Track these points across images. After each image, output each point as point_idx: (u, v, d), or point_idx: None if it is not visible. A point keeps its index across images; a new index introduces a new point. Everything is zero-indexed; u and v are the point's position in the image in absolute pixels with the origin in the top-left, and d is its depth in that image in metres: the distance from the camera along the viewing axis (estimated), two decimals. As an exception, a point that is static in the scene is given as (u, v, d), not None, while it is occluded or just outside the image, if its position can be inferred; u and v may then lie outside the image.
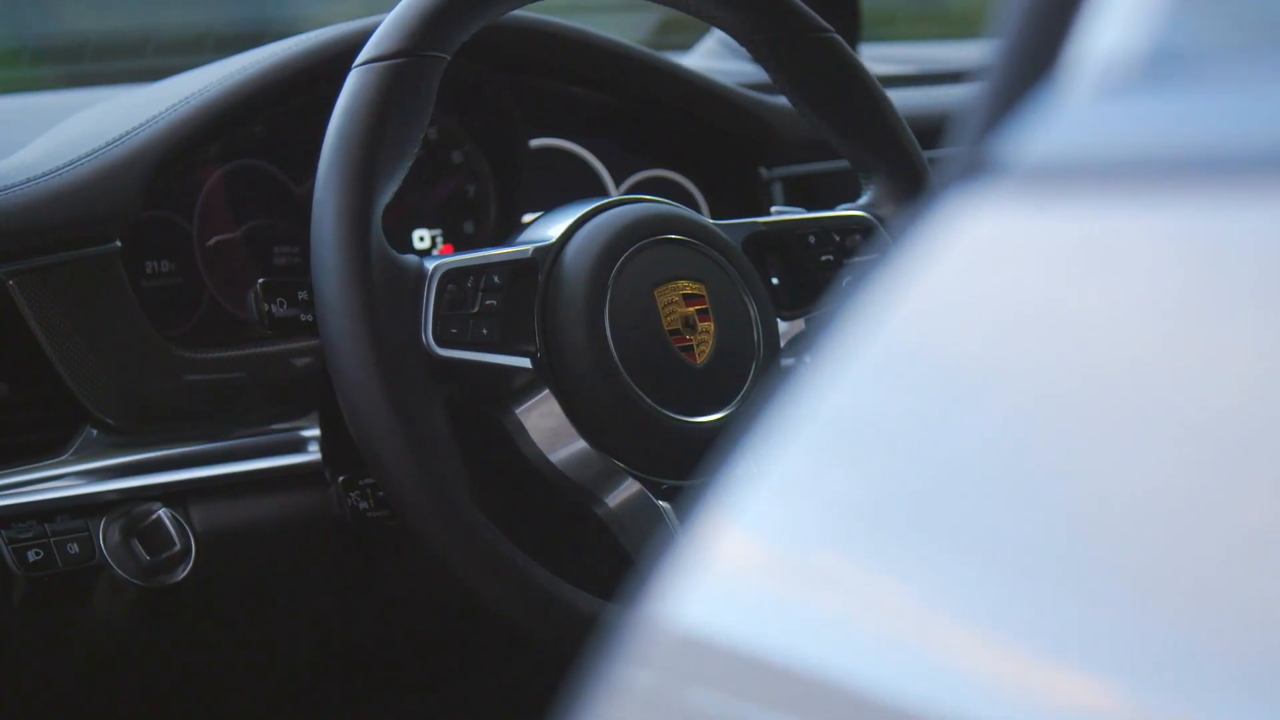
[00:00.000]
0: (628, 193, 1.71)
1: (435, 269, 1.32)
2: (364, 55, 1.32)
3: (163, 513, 1.39)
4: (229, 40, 2.10)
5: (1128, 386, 0.51)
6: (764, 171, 1.73)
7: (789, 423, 0.55)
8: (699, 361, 1.39)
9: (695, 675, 0.54)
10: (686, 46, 2.17)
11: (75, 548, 1.37)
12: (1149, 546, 0.49)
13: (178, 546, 1.39)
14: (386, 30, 1.33)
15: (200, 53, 2.05)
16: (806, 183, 1.75)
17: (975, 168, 0.54)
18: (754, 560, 0.55)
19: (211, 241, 1.51)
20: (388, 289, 1.28)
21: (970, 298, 0.54)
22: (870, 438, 0.55)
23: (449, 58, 1.34)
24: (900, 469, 0.54)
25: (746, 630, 0.54)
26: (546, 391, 1.35)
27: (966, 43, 2.64)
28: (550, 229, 1.40)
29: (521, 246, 1.38)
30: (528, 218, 1.66)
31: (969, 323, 0.54)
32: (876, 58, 1.97)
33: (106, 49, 2.05)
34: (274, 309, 1.36)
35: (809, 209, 1.54)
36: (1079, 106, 0.54)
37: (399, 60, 1.31)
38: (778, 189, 1.74)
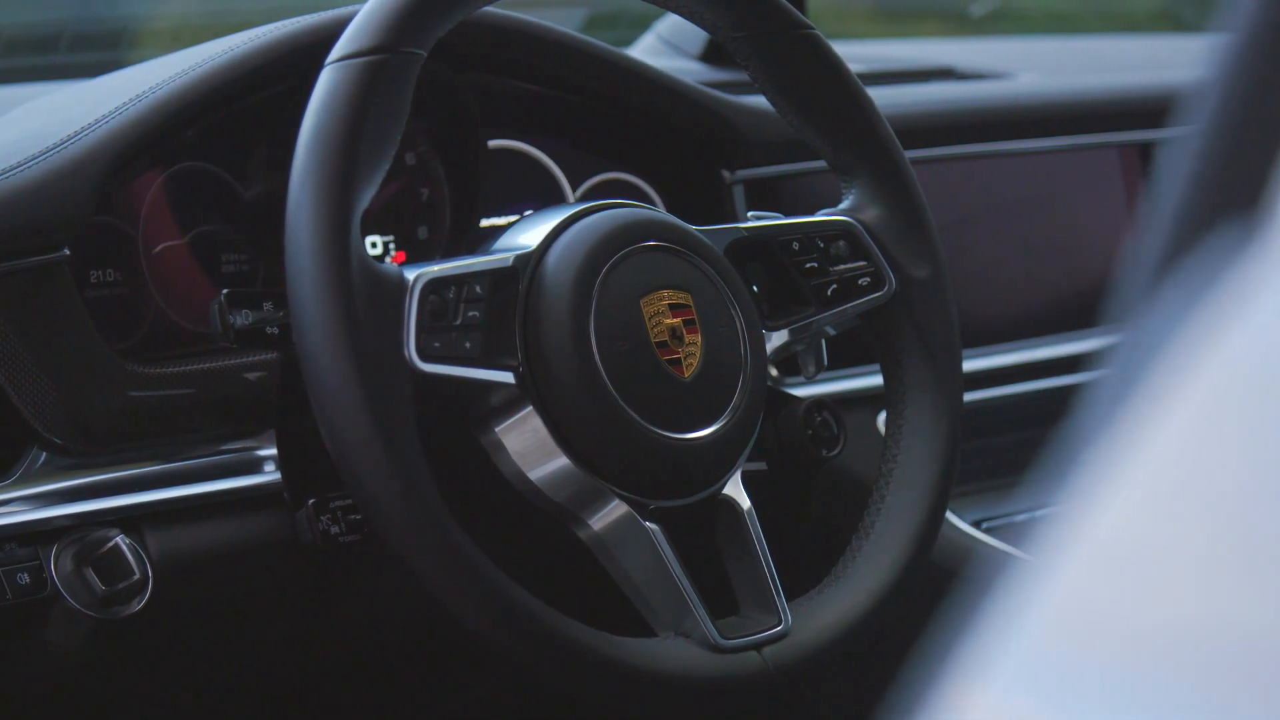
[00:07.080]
0: (586, 196, 1.64)
1: (417, 279, 1.23)
2: (337, 52, 1.24)
3: (120, 539, 1.30)
4: (146, 36, 2.00)
5: None
6: (726, 174, 1.66)
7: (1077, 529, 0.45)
8: (686, 375, 1.32)
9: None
10: (619, 44, 2.10)
11: (25, 578, 1.28)
12: None
13: (136, 575, 1.30)
14: (361, 26, 1.25)
15: (117, 49, 1.96)
16: (770, 186, 1.68)
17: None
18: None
19: (157, 249, 1.42)
20: (368, 300, 1.20)
21: None
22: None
23: (426, 54, 1.26)
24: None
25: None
26: (528, 408, 1.28)
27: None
28: (527, 235, 1.33)
29: (501, 254, 1.30)
30: (485, 222, 1.58)
31: None
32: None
33: (16, 44, 1.95)
34: (238, 320, 1.28)
35: (781, 214, 1.48)
36: None
37: (376, 57, 1.23)
38: (739, 192, 1.67)
